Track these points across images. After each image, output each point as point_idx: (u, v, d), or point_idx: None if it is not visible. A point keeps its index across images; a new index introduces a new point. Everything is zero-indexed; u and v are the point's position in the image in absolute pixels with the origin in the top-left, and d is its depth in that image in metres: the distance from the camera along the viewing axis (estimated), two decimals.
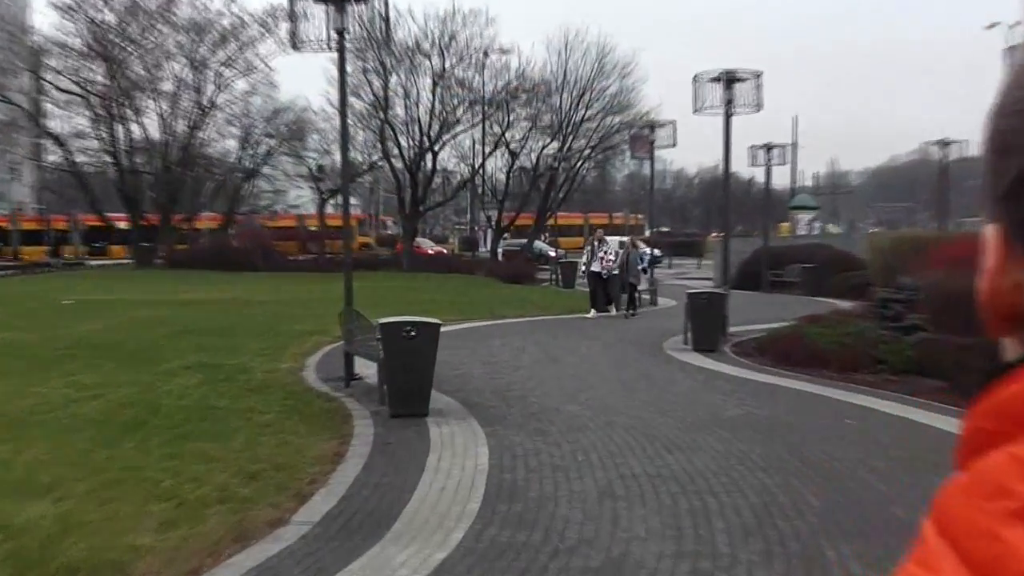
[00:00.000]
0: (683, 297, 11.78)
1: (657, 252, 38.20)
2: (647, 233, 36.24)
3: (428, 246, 40.65)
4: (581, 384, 8.17)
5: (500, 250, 34.83)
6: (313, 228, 38.32)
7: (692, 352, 10.28)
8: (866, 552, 3.88)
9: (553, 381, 8.26)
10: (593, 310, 14.08)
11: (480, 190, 36.61)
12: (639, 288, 14.66)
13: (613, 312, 14.25)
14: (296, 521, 4.28)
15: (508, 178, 35.00)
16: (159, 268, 29.60)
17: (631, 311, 14.22)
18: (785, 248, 23.98)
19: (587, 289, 15.35)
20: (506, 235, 37.98)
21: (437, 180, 34.93)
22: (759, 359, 9.95)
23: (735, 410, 7.15)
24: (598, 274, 14.38)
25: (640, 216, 48.21)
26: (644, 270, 15.22)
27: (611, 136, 32.43)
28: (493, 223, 36.81)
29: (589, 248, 14.50)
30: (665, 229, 61.85)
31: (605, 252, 14.31)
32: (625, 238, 15.84)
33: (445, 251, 40.99)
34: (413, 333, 6.51)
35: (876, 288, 10.84)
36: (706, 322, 10.50)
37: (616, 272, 14.26)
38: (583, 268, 15.02)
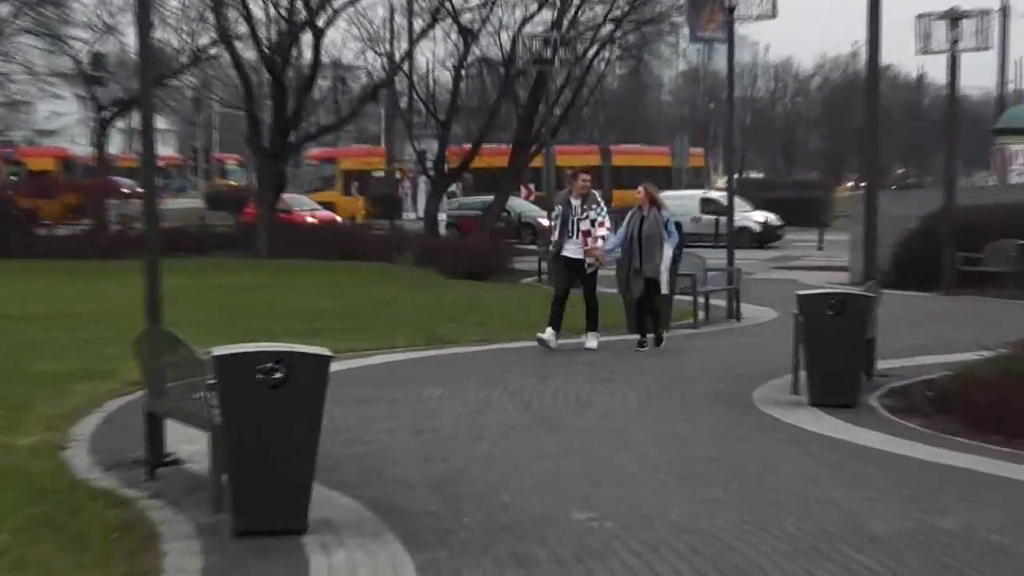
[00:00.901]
0: (790, 303, 10.31)
1: (761, 219, 32.68)
2: (719, 182, 32.00)
3: (306, 209, 34.27)
4: (597, 472, 7.33)
5: (444, 216, 29.24)
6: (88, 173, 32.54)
7: (808, 408, 9.20)
8: None
9: (543, 465, 7.47)
10: (550, 330, 12.48)
11: (406, 101, 29.50)
12: (665, 292, 12.84)
13: (646, 344, 12.32)
14: None
15: (459, 80, 27.61)
16: None
17: (645, 340, 12.52)
18: (986, 210, 18.97)
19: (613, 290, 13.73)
20: (455, 187, 32.68)
21: (323, 84, 28.57)
22: (938, 421, 8.74)
23: (895, 520, 6.19)
24: (576, 262, 12.60)
25: (700, 151, 41.22)
26: (676, 257, 13.23)
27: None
28: (431, 165, 28.83)
29: (560, 210, 12.73)
30: (757, 175, 51.57)
31: (593, 219, 12.56)
32: (639, 189, 13.11)
33: (340, 218, 34.27)
34: (279, 375, 5.82)
35: None
36: (835, 351, 9.25)
37: (616, 258, 12.89)
38: (551, 247, 13.17)
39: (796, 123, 55.38)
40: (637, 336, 12.74)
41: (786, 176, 50.85)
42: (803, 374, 9.85)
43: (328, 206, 37.05)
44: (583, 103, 29.24)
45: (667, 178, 36.81)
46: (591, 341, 12.61)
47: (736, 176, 28.49)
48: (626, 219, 12.92)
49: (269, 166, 27.49)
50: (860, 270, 14.26)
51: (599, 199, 13.01)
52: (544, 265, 20.51)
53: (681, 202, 28.84)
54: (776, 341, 12.42)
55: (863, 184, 11.70)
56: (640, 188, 13.04)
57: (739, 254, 17.59)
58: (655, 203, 12.56)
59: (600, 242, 12.40)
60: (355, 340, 12.72)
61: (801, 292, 10.13)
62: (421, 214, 31.46)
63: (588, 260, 12.35)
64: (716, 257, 18.05)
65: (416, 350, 12.69)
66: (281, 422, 5.96)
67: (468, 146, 30.08)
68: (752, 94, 52.95)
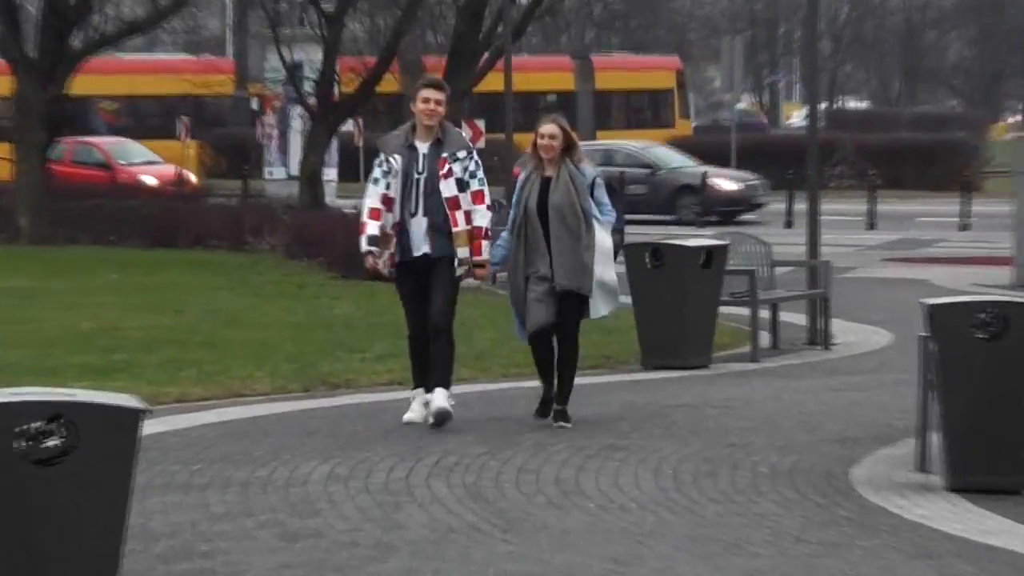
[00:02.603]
0: (913, 319, 10.68)
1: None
2: (796, 115, 33.59)
3: (138, 163, 36.20)
4: None
5: (334, 176, 30.85)
6: None
7: (944, 495, 9.04)
8: None
9: None
10: (418, 402, 11.98)
11: None
12: (604, 313, 12.15)
13: (564, 414, 12.25)
14: None
15: None
16: None
17: (543, 410, 12.26)
18: None
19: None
20: (353, 128, 33.21)
21: None
22: None
23: None
24: (439, 263, 11.82)
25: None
26: (618, 246, 13.15)
27: None
28: (310, 89, 29.55)
29: (390, 165, 11.91)
30: (859, 104, 49.87)
31: (466, 172, 11.95)
32: (543, 128, 12.29)
33: (193, 177, 36.43)
34: (54, 441, 6.07)
35: None
36: (989, 401, 9.24)
37: (498, 263, 12.31)
38: (368, 245, 12.34)
39: (922, 22, 48.05)
40: (544, 386, 11.95)
41: (907, 106, 46.35)
42: (935, 441, 9.61)
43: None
44: None
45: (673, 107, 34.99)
46: (439, 399, 11.37)
47: (826, 106, 27.35)
48: (519, 185, 11.66)
49: (36, 90, 24.70)
50: None
51: (467, 141, 11.62)
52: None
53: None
54: (888, 383, 12.39)
55: None
56: (545, 125, 11.64)
57: (740, 241, 17.59)
58: (571, 152, 11.47)
59: (484, 246, 11.33)
60: (185, 383, 12.76)
61: (932, 301, 9.93)
62: (295, 171, 31.52)
63: (460, 268, 11.29)
64: (785, 241, 17.85)
65: (287, 398, 12.75)
66: (60, 521, 5.90)
67: (371, 59, 29.15)
68: None
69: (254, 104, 37.03)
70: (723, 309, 14.74)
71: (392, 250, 11.31)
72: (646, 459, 10.52)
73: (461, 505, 9.18)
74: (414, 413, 11.45)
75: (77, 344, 14.66)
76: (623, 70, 41.50)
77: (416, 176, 11.37)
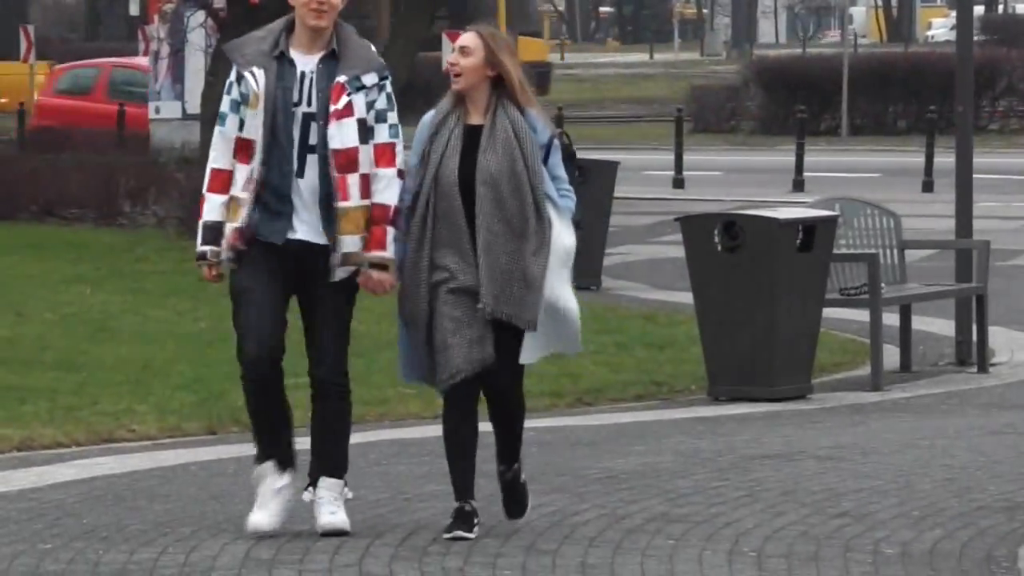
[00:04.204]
0: None
1: None
2: (930, 29, 35.61)
3: None
4: None
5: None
6: None
7: None
8: None
9: None
10: (272, 467, 10.95)
11: None
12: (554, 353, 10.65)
13: (471, 515, 10.87)
14: None
15: None
16: None
17: (462, 523, 10.85)
18: None
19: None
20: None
21: None
22: None
23: None
24: (312, 252, 10.83)
25: None
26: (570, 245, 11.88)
27: None
28: None
29: (248, 85, 10.49)
30: None
31: (373, 111, 10.99)
32: (463, 41, 11.23)
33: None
34: None
35: None
36: None
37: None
38: (204, 225, 9.87)
39: None
40: (457, 498, 10.87)
41: None
42: None
43: None
44: None
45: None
46: (329, 507, 10.86)
47: (984, 10, 28.84)
48: (423, 132, 10.82)
49: None
50: None
51: (377, 57, 10.81)
52: None
53: None
54: None
55: None
56: (466, 33, 11.07)
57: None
58: (511, 88, 10.81)
59: (389, 236, 10.58)
60: (31, 422, 13.27)
61: None
62: (194, 108, 34.05)
63: (342, 269, 10.41)
64: (922, 212, 17.80)
65: (182, 444, 13.11)
66: None
67: None
68: None
69: (133, 7, 37.09)
70: (829, 312, 15.09)
71: (241, 222, 10.20)
72: (715, 535, 10.51)
73: None
74: (264, 515, 10.53)
75: None
76: None
77: (291, 109, 10.23)
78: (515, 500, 11.04)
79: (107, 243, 24.48)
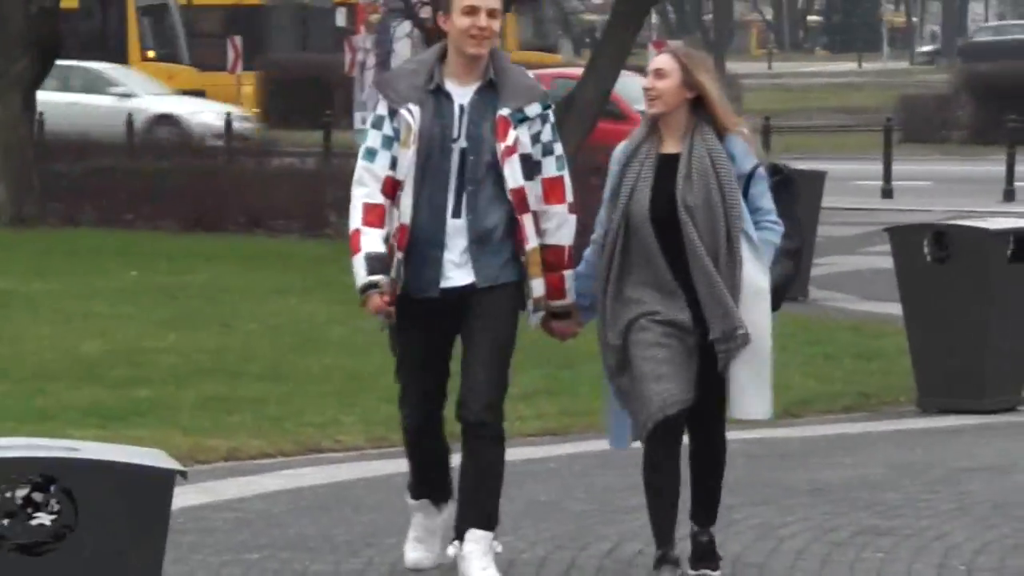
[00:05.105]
0: None
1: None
2: None
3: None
4: None
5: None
6: None
7: None
8: None
9: None
10: (429, 505, 10.70)
11: None
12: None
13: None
14: None
15: None
16: None
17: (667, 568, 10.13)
18: None
19: None
20: None
21: None
22: None
23: None
24: (469, 297, 10.04)
25: None
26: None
27: None
28: (425, 2, 32.99)
29: (407, 122, 9.83)
30: None
31: (540, 148, 10.13)
32: (656, 60, 10.52)
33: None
34: (47, 517, 6.19)
35: None
36: None
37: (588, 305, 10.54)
38: (368, 272, 9.37)
39: None
40: (659, 545, 10.29)
41: None
42: None
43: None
44: None
45: None
46: (477, 559, 9.98)
47: None
48: (615, 169, 10.13)
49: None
50: None
51: (539, 86, 10.10)
52: None
53: None
54: None
55: None
56: (660, 55, 10.30)
57: None
58: (712, 109, 10.01)
59: (568, 280, 9.86)
60: (238, 432, 13.42)
61: None
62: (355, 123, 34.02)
63: (535, 315, 9.76)
64: None
65: (388, 456, 13.16)
66: None
67: None
68: None
69: (340, 18, 37.07)
70: None
71: (394, 275, 9.52)
72: (925, 548, 10.52)
73: None
74: (420, 551, 10.10)
75: (78, 374, 15.17)
76: None
77: (450, 145, 9.40)
78: (712, 564, 10.38)
79: (313, 255, 24.57)
